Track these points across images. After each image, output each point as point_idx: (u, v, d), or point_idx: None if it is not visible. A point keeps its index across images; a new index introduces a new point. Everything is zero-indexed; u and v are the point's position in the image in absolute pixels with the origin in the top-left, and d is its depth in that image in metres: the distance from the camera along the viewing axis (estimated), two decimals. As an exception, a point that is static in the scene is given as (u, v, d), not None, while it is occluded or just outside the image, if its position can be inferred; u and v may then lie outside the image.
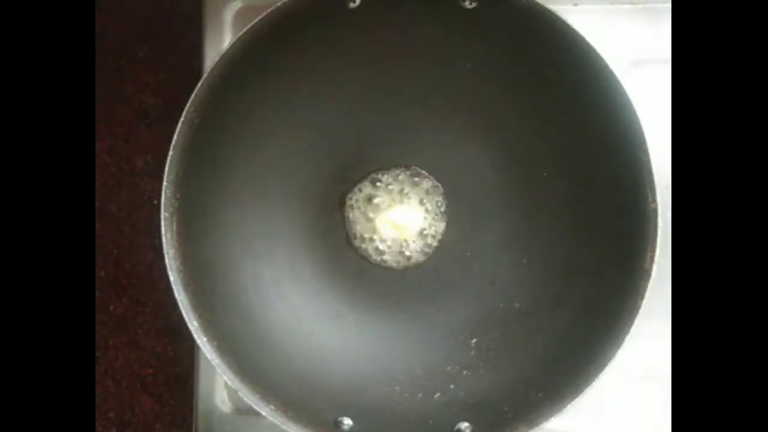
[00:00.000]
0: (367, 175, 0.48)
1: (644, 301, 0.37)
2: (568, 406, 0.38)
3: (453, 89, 0.45)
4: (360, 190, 0.48)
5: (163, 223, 0.39)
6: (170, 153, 0.39)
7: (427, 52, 0.44)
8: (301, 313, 0.46)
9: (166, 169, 0.39)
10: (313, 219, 0.48)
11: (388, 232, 0.47)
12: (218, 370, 0.39)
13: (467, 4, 0.40)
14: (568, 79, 0.41)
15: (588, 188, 0.43)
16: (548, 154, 0.45)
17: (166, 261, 0.39)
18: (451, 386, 0.44)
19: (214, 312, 0.40)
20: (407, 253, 0.48)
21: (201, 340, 0.39)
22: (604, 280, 0.41)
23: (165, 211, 0.39)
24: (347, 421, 0.41)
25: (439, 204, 0.48)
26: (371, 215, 0.48)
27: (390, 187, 0.48)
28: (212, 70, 0.39)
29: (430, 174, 0.48)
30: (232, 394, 0.46)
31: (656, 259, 0.38)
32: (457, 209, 0.48)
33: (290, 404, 0.40)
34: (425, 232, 0.48)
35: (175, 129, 0.39)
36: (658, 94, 0.44)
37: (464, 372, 0.44)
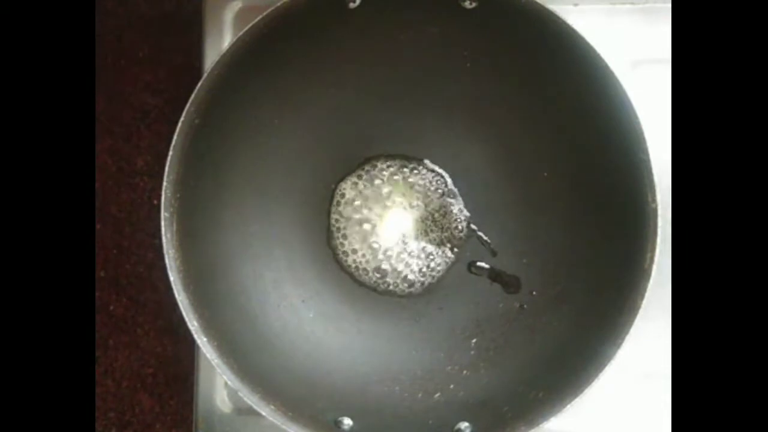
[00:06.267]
0: (365, 174, 0.48)
1: (644, 301, 0.38)
2: (568, 406, 0.38)
3: (453, 89, 0.45)
4: (355, 191, 0.48)
5: (163, 223, 0.39)
6: (170, 153, 0.39)
7: (427, 52, 0.44)
8: (301, 313, 0.46)
9: (166, 169, 0.39)
10: (313, 219, 0.48)
11: (389, 235, 0.47)
12: (218, 370, 0.39)
13: (467, 4, 0.40)
14: (568, 79, 0.41)
15: (588, 188, 0.43)
16: (548, 153, 0.45)
17: (166, 261, 0.39)
18: (451, 386, 0.44)
19: (214, 312, 0.40)
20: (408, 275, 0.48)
21: (201, 340, 0.39)
22: (604, 280, 0.41)
23: (165, 211, 0.39)
24: (347, 421, 0.41)
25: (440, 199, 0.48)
26: (367, 222, 0.48)
27: (387, 186, 0.48)
28: (212, 70, 0.39)
29: (430, 172, 0.48)
30: (232, 394, 0.46)
31: (656, 259, 0.38)
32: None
33: (290, 404, 0.40)
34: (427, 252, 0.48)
35: (175, 129, 0.39)
36: (658, 94, 0.44)
37: (464, 372, 0.44)
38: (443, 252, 0.48)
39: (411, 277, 0.47)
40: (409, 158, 0.48)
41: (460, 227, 0.48)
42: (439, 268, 0.47)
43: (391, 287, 0.47)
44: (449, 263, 0.47)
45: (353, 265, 0.47)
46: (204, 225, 0.42)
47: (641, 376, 0.45)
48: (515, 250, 0.46)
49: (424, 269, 0.47)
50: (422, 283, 0.47)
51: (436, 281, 0.47)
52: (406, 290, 0.47)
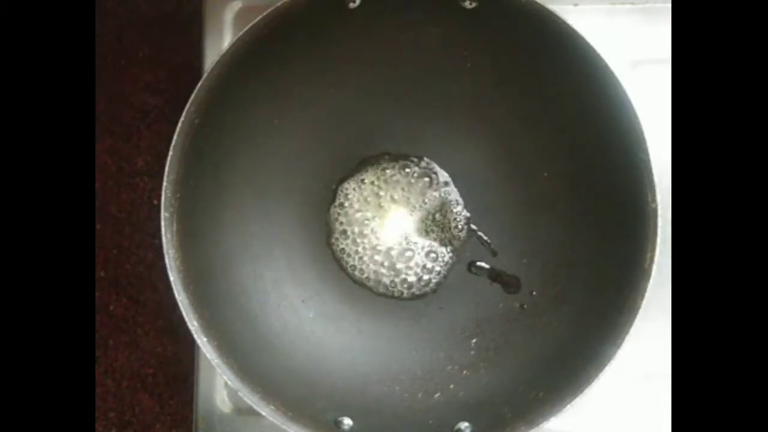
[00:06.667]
0: (365, 174, 0.48)
1: (644, 301, 0.38)
2: (568, 406, 0.38)
3: (453, 89, 0.45)
4: (355, 191, 0.48)
5: (163, 223, 0.39)
6: (170, 153, 0.39)
7: (427, 52, 0.44)
8: (301, 313, 0.46)
9: (166, 169, 0.39)
10: (313, 219, 0.48)
11: (389, 235, 0.47)
12: (218, 370, 0.39)
13: (467, 4, 0.40)
14: (568, 79, 0.41)
15: (588, 188, 0.43)
16: (548, 153, 0.45)
17: (166, 261, 0.39)
18: (451, 386, 0.44)
19: (214, 312, 0.40)
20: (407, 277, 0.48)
21: (201, 340, 0.39)
22: (604, 280, 0.41)
23: (165, 211, 0.39)
24: (347, 421, 0.41)
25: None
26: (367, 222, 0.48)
27: (387, 186, 0.48)
28: (212, 70, 0.39)
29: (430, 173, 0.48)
30: (232, 394, 0.46)
31: (656, 259, 0.38)
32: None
33: (290, 404, 0.40)
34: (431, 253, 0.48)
35: (175, 129, 0.39)
36: (658, 94, 0.44)
37: (464, 372, 0.44)
38: (443, 252, 0.48)
39: (411, 278, 0.47)
40: (409, 158, 0.48)
41: (460, 227, 0.48)
42: (438, 268, 0.47)
43: (390, 288, 0.47)
44: (449, 264, 0.47)
45: (353, 266, 0.47)
46: (204, 225, 0.42)
47: (641, 376, 0.45)
48: (515, 250, 0.46)
49: (424, 270, 0.47)
50: (422, 284, 0.47)
51: (436, 282, 0.47)
52: (406, 291, 0.47)
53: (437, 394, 0.43)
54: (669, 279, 0.39)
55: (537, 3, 0.38)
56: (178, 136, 0.39)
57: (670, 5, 0.45)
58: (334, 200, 0.48)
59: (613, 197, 0.41)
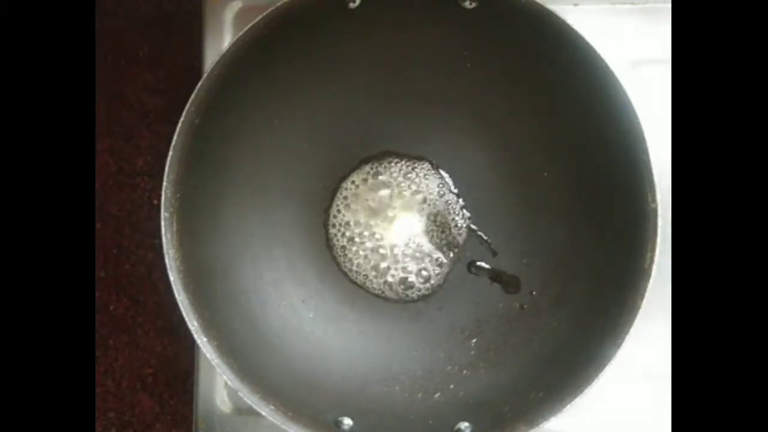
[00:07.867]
0: (365, 174, 0.48)
1: (644, 301, 0.38)
2: (568, 406, 0.38)
3: (453, 89, 0.45)
4: (355, 191, 0.48)
5: (163, 223, 0.39)
6: (170, 153, 0.39)
7: (427, 52, 0.44)
8: (301, 313, 0.46)
9: (166, 169, 0.39)
10: (313, 219, 0.48)
11: (389, 236, 0.47)
12: (218, 370, 0.39)
13: (467, 4, 0.40)
14: (568, 79, 0.41)
15: (588, 188, 0.43)
16: (548, 154, 0.45)
17: (166, 261, 0.39)
18: (451, 386, 0.44)
19: (214, 312, 0.40)
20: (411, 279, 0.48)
21: (201, 340, 0.39)
22: (604, 280, 0.41)
23: (165, 211, 0.39)
24: (347, 421, 0.41)
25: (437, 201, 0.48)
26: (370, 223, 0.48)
27: (387, 187, 0.48)
28: (212, 70, 0.39)
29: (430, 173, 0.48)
30: (232, 394, 0.46)
31: (656, 259, 0.38)
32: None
33: (290, 404, 0.40)
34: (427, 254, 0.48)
35: (175, 129, 0.39)
36: (658, 94, 0.44)
37: (464, 372, 0.44)
38: (443, 253, 0.48)
39: (411, 278, 0.47)
40: (409, 158, 0.48)
41: (460, 227, 0.48)
42: (438, 269, 0.47)
43: (390, 288, 0.47)
44: (449, 264, 0.47)
45: (353, 266, 0.47)
46: (204, 225, 0.42)
47: (641, 376, 0.45)
48: (515, 250, 0.46)
49: (424, 270, 0.47)
50: (422, 284, 0.47)
51: (435, 282, 0.47)
52: (406, 291, 0.47)
53: (437, 394, 0.43)
54: (669, 279, 0.39)
55: (537, 3, 0.38)
56: (178, 136, 0.39)
57: (670, 5, 0.45)
58: (334, 200, 0.48)
59: (613, 197, 0.41)
